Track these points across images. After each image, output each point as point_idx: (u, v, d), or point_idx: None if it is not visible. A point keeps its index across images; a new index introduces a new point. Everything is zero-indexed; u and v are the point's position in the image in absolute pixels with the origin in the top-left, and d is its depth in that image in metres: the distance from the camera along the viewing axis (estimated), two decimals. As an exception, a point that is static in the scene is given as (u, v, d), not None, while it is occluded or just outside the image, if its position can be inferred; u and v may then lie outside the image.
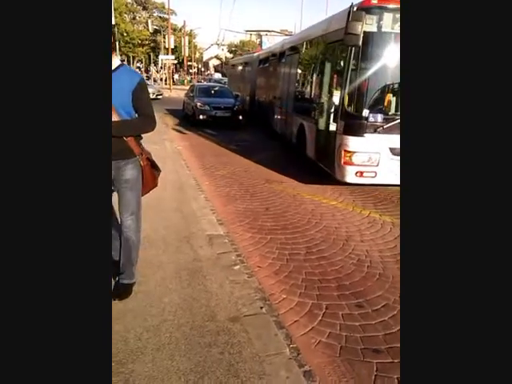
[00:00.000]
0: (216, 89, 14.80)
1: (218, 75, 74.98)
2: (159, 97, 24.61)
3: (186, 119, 13.85)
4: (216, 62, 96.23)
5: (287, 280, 3.20)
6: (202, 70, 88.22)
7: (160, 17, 47.70)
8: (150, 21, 43.66)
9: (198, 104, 12.64)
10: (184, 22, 43.01)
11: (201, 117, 12.52)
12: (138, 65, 56.22)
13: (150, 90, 24.23)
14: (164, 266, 3.14)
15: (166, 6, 38.93)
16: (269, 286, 3.07)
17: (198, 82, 35.77)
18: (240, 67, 18.10)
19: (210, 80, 35.01)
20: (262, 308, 2.65)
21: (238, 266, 3.22)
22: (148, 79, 36.49)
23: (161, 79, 42.69)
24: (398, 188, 4.76)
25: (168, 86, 34.77)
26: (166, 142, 8.92)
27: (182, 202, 4.81)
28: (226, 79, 32.99)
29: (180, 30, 46.90)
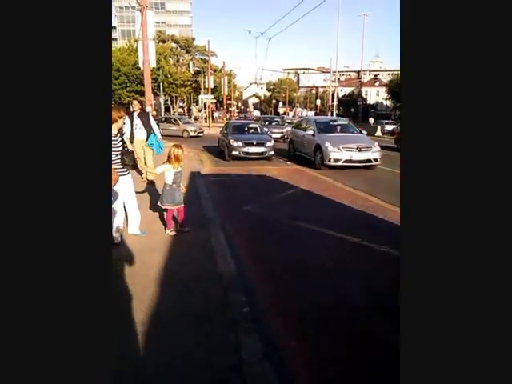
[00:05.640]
0: (249, 126, 15.18)
1: (256, 112, 77.23)
2: (200, 134, 25.36)
3: (221, 155, 14.14)
4: (255, 100, 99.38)
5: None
6: (242, 107, 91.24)
7: (201, 59, 50.22)
8: (191, 63, 46.09)
9: (231, 140, 12.91)
10: (223, 62, 45.07)
11: (233, 153, 12.75)
12: (181, 104, 59.02)
13: (192, 128, 25.18)
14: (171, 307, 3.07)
15: (207, 49, 40.91)
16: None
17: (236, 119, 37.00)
18: None
19: (245, 118, 36.22)
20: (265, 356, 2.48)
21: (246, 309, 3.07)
22: (189, 118, 38.06)
23: (201, 117, 44.39)
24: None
25: (207, 124, 35.94)
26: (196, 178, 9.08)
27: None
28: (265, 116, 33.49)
29: (220, 70, 49.04)
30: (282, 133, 21.65)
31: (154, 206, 5.65)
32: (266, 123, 23.50)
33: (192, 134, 24.64)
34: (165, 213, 4.92)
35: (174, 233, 4.72)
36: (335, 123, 13.02)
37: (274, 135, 19.80)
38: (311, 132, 11.91)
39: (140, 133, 7.81)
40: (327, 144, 10.83)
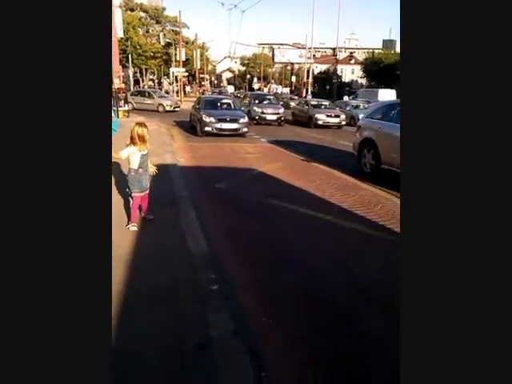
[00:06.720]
0: (222, 101, 14.86)
1: (230, 88, 75.88)
2: (177, 109, 24.15)
3: (193, 130, 13.87)
4: (229, 74, 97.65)
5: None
6: (216, 82, 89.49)
7: (173, 30, 48.40)
8: (161, 34, 44.33)
9: (204, 116, 12.65)
10: (196, 35, 43.71)
11: (206, 129, 12.53)
12: (151, 77, 57.16)
13: (168, 103, 23.99)
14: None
15: (179, 20, 39.39)
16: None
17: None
18: None
19: (220, 93, 34.95)
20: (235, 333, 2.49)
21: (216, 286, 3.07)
22: (160, 90, 36.93)
23: (173, 91, 43.20)
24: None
25: (179, 98, 35.01)
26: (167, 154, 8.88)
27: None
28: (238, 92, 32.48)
29: (192, 43, 47.58)
30: (277, 114, 17.88)
31: (122, 188, 5.42)
32: (256, 102, 18.81)
33: (168, 108, 23.53)
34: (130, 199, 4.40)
35: (135, 228, 4.13)
36: None
37: (268, 117, 17.73)
38: None
39: None
40: None
